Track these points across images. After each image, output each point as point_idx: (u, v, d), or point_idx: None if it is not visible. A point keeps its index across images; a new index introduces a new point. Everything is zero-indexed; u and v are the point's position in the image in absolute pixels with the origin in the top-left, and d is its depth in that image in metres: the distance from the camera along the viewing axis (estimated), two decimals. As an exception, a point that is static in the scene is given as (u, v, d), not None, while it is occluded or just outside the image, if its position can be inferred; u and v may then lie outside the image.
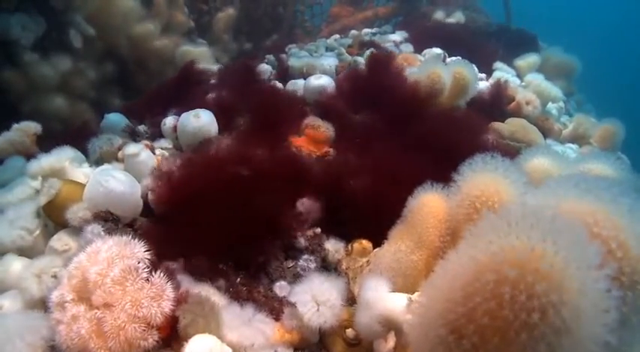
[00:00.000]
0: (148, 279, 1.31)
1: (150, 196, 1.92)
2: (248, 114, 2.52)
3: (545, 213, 0.80)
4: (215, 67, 3.93)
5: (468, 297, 0.80)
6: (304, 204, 1.88)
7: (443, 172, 1.54)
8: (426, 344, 0.89)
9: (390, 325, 1.23)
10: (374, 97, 2.74)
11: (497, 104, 3.26)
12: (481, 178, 1.26)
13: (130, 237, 1.42)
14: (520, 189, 1.23)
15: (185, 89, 3.05)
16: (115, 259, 1.32)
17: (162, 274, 1.33)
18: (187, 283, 1.55)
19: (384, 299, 1.25)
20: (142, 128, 2.63)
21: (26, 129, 2.39)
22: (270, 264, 1.71)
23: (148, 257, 1.37)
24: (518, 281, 0.74)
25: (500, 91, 3.27)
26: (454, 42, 4.34)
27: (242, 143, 2.18)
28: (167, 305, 1.29)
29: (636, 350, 0.93)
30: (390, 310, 1.22)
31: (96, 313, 1.25)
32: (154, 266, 1.39)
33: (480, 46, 4.53)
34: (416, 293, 1.26)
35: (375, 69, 2.98)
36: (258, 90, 2.93)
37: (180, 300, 1.35)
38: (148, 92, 3.49)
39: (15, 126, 2.38)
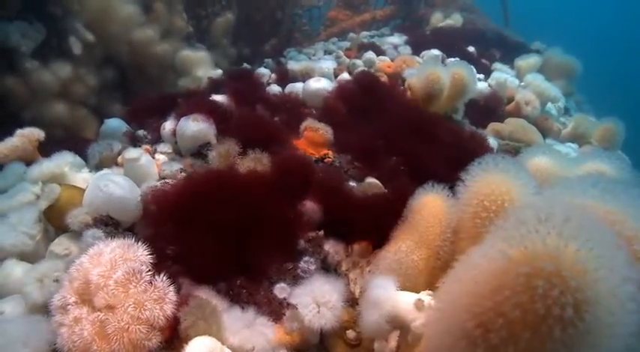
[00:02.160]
0: (150, 282, 1.32)
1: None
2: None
3: (574, 211, 0.80)
4: (217, 72, 3.94)
5: (497, 291, 0.79)
6: (305, 206, 1.88)
7: (441, 175, 1.55)
8: (448, 339, 0.88)
9: (398, 324, 1.23)
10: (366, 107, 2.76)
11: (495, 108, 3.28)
12: (491, 177, 1.26)
13: (133, 240, 1.42)
14: (531, 190, 1.23)
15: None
16: (119, 261, 1.32)
17: (164, 277, 1.34)
18: (188, 286, 1.55)
19: (393, 297, 1.25)
20: (141, 133, 2.63)
21: (29, 135, 2.40)
22: (271, 266, 1.71)
23: (151, 260, 1.37)
24: (553, 276, 0.74)
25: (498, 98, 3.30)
26: (453, 44, 4.37)
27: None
28: (169, 308, 1.29)
29: None
30: (399, 309, 1.21)
31: (98, 315, 1.25)
32: (155, 269, 1.39)
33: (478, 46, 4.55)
34: (424, 292, 1.25)
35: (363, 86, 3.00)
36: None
37: (181, 303, 1.35)
38: (145, 97, 3.48)
39: (18, 131, 2.39)
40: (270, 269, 1.68)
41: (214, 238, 1.64)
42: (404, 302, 1.22)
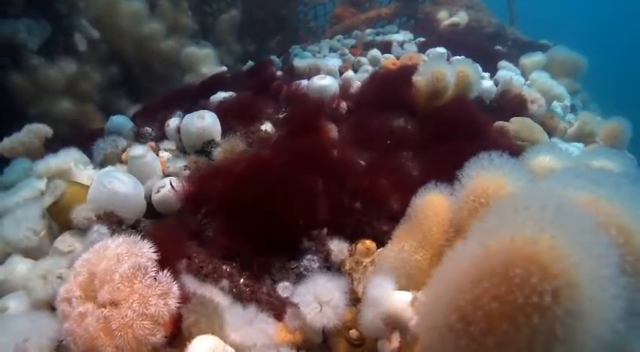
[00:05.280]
0: (155, 278, 1.32)
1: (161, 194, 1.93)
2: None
3: (552, 200, 0.80)
4: (222, 69, 3.94)
5: (476, 283, 0.80)
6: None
7: (447, 171, 1.54)
8: (436, 333, 0.88)
9: (396, 323, 1.23)
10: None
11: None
12: (486, 175, 1.26)
13: (138, 237, 1.42)
14: (530, 186, 1.22)
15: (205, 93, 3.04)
16: (124, 256, 1.32)
17: (168, 273, 1.34)
18: (191, 283, 1.55)
19: (390, 297, 1.24)
20: (146, 130, 2.64)
21: (37, 131, 2.43)
22: (274, 264, 1.71)
23: (156, 257, 1.38)
24: (530, 265, 0.74)
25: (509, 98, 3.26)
26: (461, 43, 4.33)
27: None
28: (174, 304, 1.29)
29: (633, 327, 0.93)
30: (396, 308, 1.21)
31: (103, 311, 1.25)
32: (159, 266, 1.40)
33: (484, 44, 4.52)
34: (422, 291, 1.25)
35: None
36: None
37: (184, 300, 1.36)
38: (161, 96, 3.49)
39: (27, 127, 2.41)
40: (271, 267, 1.69)
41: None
42: (401, 301, 1.22)
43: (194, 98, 2.94)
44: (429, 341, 0.94)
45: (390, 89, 2.83)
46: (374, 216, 1.88)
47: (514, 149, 2.40)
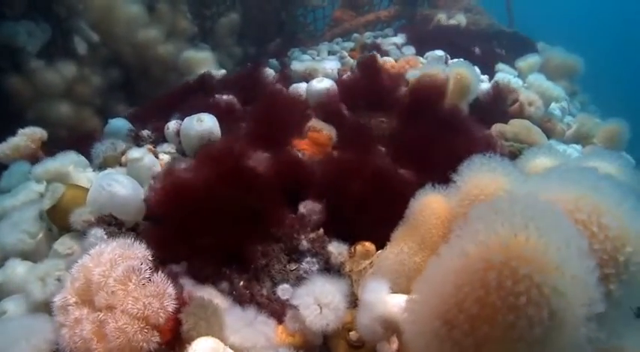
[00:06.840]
0: (150, 280, 1.31)
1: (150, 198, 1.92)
2: (251, 117, 2.55)
3: (528, 201, 0.83)
4: (221, 72, 3.94)
5: (458, 288, 0.82)
6: (306, 206, 1.89)
7: (443, 174, 1.55)
8: (423, 338, 0.90)
9: (391, 326, 1.23)
10: (369, 98, 2.77)
11: (500, 105, 3.25)
12: (480, 177, 1.27)
13: (133, 240, 1.42)
14: (520, 187, 1.23)
15: (194, 94, 3.06)
16: (118, 260, 1.32)
17: (163, 274, 1.33)
18: (190, 286, 1.55)
19: (384, 300, 1.25)
20: (145, 133, 2.64)
21: (32, 134, 2.41)
22: (273, 266, 1.71)
23: (151, 259, 1.37)
24: (503, 267, 0.77)
25: (502, 93, 3.26)
26: (456, 44, 4.35)
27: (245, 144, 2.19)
28: (170, 305, 1.28)
29: (622, 324, 0.96)
30: (390, 311, 1.22)
31: (98, 315, 1.25)
32: (157, 269, 1.39)
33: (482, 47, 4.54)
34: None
35: (364, 71, 3.01)
36: (263, 92, 2.93)
37: (182, 303, 1.35)
38: (155, 98, 3.50)
39: (21, 131, 2.40)
40: (270, 269, 1.69)
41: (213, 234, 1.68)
42: (395, 304, 1.22)
43: (186, 99, 2.95)
44: (417, 348, 0.96)
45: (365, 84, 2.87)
46: (372, 217, 1.88)
47: (496, 147, 2.45)
